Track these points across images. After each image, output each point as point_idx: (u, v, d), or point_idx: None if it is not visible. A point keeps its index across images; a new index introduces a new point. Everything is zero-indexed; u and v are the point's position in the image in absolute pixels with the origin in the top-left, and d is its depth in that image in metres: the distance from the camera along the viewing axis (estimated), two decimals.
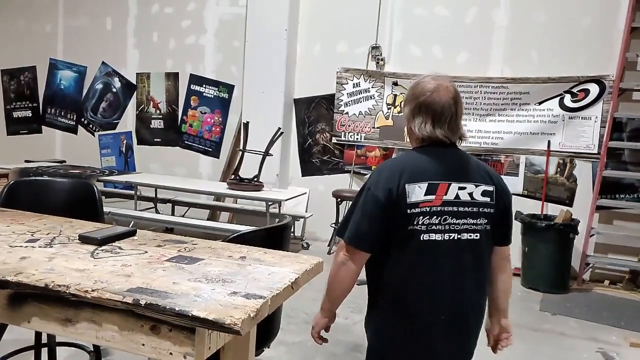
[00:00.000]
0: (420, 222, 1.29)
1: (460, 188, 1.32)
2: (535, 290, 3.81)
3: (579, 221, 3.90)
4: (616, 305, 3.60)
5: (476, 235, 1.34)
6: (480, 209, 1.35)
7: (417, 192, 1.29)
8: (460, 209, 1.32)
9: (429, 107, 1.33)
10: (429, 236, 1.30)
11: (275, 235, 1.65)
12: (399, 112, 4.67)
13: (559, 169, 4.30)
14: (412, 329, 1.34)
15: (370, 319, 1.43)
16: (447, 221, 1.31)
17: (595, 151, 4.12)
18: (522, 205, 4.24)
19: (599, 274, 4.14)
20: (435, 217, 1.30)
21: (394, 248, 1.32)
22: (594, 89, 4.12)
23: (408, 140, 1.47)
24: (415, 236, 1.30)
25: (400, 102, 4.58)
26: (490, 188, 1.37)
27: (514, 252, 4.56)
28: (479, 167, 1.41)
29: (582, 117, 4.18)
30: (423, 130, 1.34)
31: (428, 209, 1.30)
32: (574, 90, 4.17)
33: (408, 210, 1.29)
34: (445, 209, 1.31)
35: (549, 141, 4.25)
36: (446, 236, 1.31)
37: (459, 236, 1.32)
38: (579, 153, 4.21)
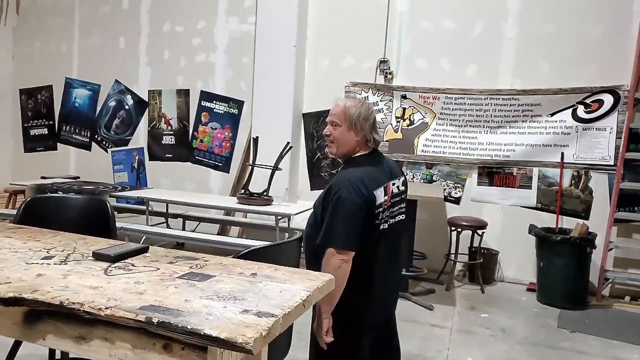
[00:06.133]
0: (380, 217, 1.68)
1: (393, 184, 1.75)
2: (552, 306, 3.72)
3: (596, 235, 3.82)
4: (638, 322, 3.49)
5: (403, 216, 1.80)
6: (402, 196, 1.80)
7: (379, 195, 1.66)
8: (396, 198, 1.75)
9: (375, 120, 1.76)
10: (384, 226, 1.69)
11: (286, 250, 1.64)
12: (408, 125, 4.67)
13: (573, 181, 4.23)
14: (375, 298, 1.70)
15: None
16: (390, 210, 1.72)
17: (612, 163, 4.05)
18: (536, 219, 4.18)
19: (619, 289, 4.03)
20: (386, 210, 1.70)
21: (363, 240, 1.63)
22: (608, 99, 4.07)
23: (341, 149, 1.74)
24: (378, 228, 1.68)
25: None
26: (403, 179, 1.82)
27: (530, 266, 4.45)
28: (393, 163, 1.85)
29: (596, 128, 4.12)
30: (379, 138, 1.75)
31: (385, 206, 1.69)
32: (587, 101, 4.13)
33: (376, 210, 1.66)
34: (390, 202, 1.71)
35: (562, 153, 4.19)
36: (390, 222, 1.72)
37: (395, 220, 1.75)
38: (594, 165, 4.14)
